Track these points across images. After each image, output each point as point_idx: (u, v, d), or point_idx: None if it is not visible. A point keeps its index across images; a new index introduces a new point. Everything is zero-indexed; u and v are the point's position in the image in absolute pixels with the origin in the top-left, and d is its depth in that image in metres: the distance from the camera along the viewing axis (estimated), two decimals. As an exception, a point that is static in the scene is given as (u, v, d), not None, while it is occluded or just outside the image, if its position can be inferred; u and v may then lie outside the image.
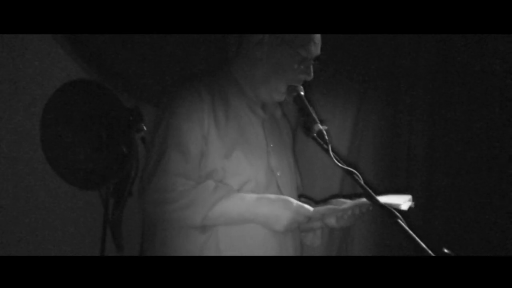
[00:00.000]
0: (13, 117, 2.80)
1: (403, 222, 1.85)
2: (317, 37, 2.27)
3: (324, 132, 2.10)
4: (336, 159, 2.03)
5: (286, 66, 2.23)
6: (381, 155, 3.20)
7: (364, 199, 2.09)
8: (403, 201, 2.09)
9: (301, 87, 2.25)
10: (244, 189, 2.18)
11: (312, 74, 2.25)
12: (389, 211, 1.89)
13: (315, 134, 2.12)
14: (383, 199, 2.03)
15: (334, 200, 2.31)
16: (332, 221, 2.29)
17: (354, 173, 2.01)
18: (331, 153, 2.03)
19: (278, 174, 2.28)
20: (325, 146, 2.07)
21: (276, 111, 2.39)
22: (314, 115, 2.16)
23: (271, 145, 2.30)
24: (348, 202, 2.21)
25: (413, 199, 3.03)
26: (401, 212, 1.91)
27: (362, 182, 2.00)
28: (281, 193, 2.25)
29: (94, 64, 2.82)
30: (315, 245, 2.47)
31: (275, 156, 2.30)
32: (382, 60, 3.21)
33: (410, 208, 2.09)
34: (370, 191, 1.99)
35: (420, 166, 3.19)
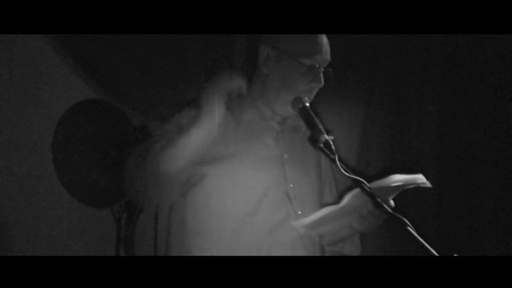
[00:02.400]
0: (25, 135, 2.82)
1: (412, 229, 1.85)
2: (322, 43, 2.27)
3: (331, 142, 2.10)
4: (343, 169, 2.03)
5: (293, 78, 2.24)
6: (391, 159, 3.19)
7: (358, 189, 2.07)
8: (417, 180, 2.11)
9: (306, 98, 2.26)
10: (251, 197, 2.21)
11: (322, 81, 2.24)
12: (399, 219, 1.88)
13: (321, 145, 2.11)
14: (399, 178, 2.07)
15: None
16: (356, 226, 2.27)
17: (362, 182, 2.01)
18: (338, 163, 2.03)
19: (291, 186, 2.29)
20: (332, 156, 2.07)
21: (300, 123, 2.38)
22: (320, 126, 2.15)
23: (286, 157, 2.31)
24: (345, 197, 2.17)
25: (424, 204, 3.05)
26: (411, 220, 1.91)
27: (371, 191, 2.00)
28: (292, 204, 2.26)
29: (102, 83, 2.84)
30: (355, 254, 2.45)
31: (290, 167, 2.30)
32: (388, 64, 3.20)
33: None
34: (380, 200, 1.98)
35: (431, 170, 3.17)
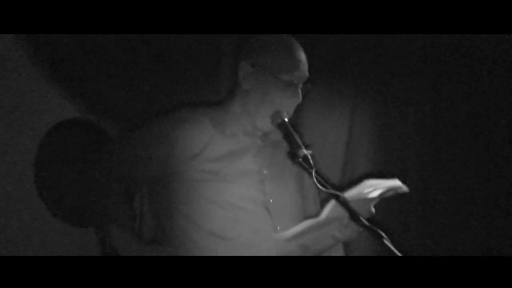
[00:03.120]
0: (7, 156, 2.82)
1: (388, 241, 1.87)
2: (301, 60, 2.30)
3: (309, 157, 2.12)
4: (321, 183, 2.04)
5: (272, 94, 2.27)
6: (376, 169, 3.16)
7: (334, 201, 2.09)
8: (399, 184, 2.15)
9: (285, 113, 2.28)
10: (230, 212, 2.22)
11: (300, 97, 2.29)
12: (375, 232, 1.90)
13: (300, 159, 2.13)
14: (373, 183, 2.11)
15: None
16: (338, 235, 2.28)
17: (340, 196, 2.02)
18: (314, 177, 2.05)
19: (271, 201, 2.30)
20: (310, 170, 2.09)
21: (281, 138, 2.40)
22: (298, 140, 2.18)
23: (265, 172, 2.32)
24: (324, 209, 2.19)
25: (411, 209, 3.03)
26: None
27: (348, 204, 2.01)
28: (272, 220, 2.28)
29: (84, 99, 2.83)
30: None
31: (270, 183, 2.32)
32: (372, 74, 3.17)
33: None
34: (357, 213, 1.99)
35: (414, 178, 3.16)
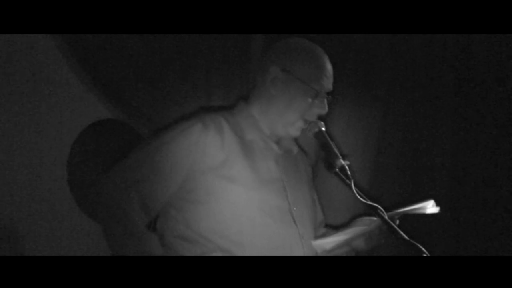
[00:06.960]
0: (38, 152, 2.84)
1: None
2: (329, 71, 2.29)
3: (347, 167, 2.11)
4: (359, 195, 2.04)
5: (300, 101, 2.25)
6: (405, 183, 3.15)
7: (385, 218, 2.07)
8: (428, 206, 2.12)
9: (322, 122, 2.27)
10: (258, 222, 2.18)
11: (326, 108, 2.28)
12: (415, 246, 1.89)
13: (337, 170, 2.12)
14: (407, 208, 2.08)
15: (358, 220, 2.32)
16: (360, 244, 2.28)
17: (378, 208, 2.02)
18: (353, 188, 2.04)
19: (294, 209, 2.28)
20: (347, 181, 2.08)
21: (292, 146, 2.39)
22: (336, 150, 2.17)
23: (286, 180, 2.31)
24: (373, 223, 2.18)
25: (439, 223, 3.02)
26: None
27: (386, 216, 2.01)
28: (297, 228, 2.25)
29: (118, 102, 2.85)
30: None
31: (290, 191, 2.30)
32: (403, 87, 3.15)
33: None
34: (394, 225, 1.99)
35: (444, 196, 3.14)
